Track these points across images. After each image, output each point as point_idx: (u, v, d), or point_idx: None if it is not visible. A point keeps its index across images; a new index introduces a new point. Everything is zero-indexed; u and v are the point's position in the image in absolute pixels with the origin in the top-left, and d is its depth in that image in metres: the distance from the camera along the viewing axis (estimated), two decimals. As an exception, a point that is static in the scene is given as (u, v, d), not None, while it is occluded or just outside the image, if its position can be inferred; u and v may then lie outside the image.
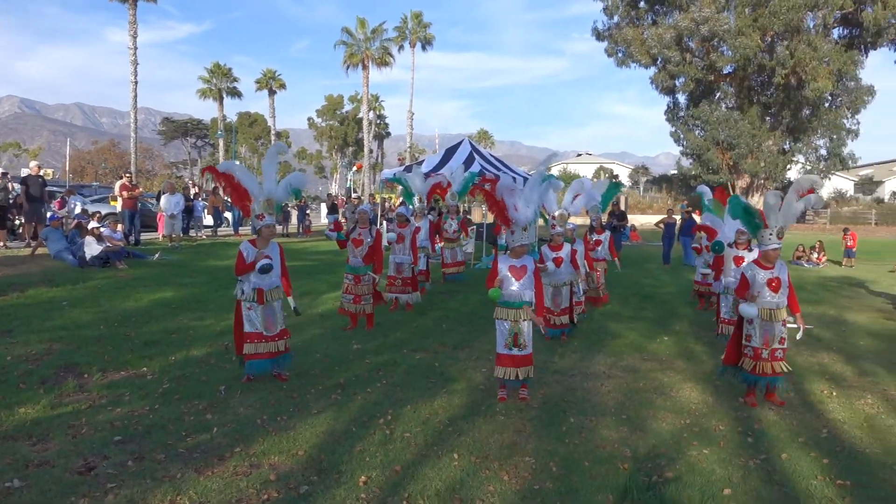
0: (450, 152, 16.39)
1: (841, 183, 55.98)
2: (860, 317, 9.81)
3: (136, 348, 6.69)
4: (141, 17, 32.90)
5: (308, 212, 27.00)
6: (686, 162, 42.78)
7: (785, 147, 39.58)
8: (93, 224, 13.43)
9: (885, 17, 33.45)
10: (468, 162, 15.29)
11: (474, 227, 17.02)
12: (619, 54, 40.94)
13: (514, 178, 14.31)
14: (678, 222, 17.54)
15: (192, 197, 21.13)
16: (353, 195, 32.94)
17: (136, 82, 32.46)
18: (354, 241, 7.89)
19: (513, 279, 5.28)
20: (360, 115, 60.45)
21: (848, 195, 55.40)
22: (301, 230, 25.39)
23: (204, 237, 21.08)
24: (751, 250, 7.53)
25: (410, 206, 11.15)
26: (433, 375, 6.07)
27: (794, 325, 5.51)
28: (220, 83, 56.35)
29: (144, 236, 18.26)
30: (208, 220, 22.75)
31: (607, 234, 10.44)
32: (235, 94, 57.71)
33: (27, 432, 4.38)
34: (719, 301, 8.13)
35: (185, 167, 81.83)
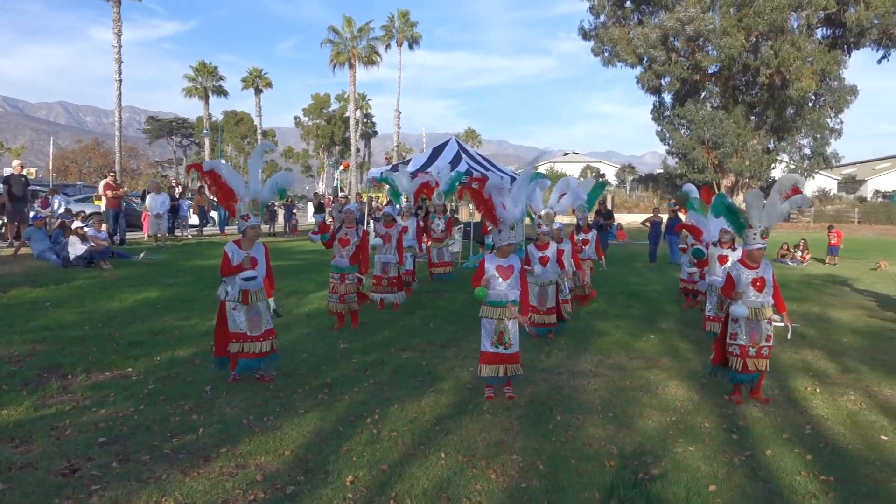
0: (437, 151, 16.37)
1: (824, 182, 56.56)
2: (843, 314, 9.92)
3: (121, 349, 6.63)
4: (125, 15, 32.72)
5: (295, 211, 26.91)
6: (672, 161, 43.10)
7: (769, 146, 39.97)
8: (77, 224, 13.31)
9: (868, 17, 33.85)
10: (455, 161, 15.29)
11: (461, 226, 17.02)
12: (606, 54, 41.16)
13: (500, 178, 14.32)
14: (664, 221, 17.65)
15: (177, 196, 20.99)
16: (340, 194, 32.86)
17: (120, 81, 32.19)
18: (341, 241, 7.87)
19: (500, 279, 5.28)
20: (347, 113, 60.36)
21: (831, 194, 55.97)
22: (288, 229, 25.30)
23: (189, 237, 20.94)
24: (735, 249, 7.59)
25: (397, 206, 11.13)
26: (420, 374, 6.07)
27: (781, 324, 5.56)
28: (206, 82, 56.00)
29: (129, 236, 18.12)
30: (194, 219, 22.60)
31: (594, 233, 10.50)
32: (221, 92, 57.37)
33: (10, 434, 4.33)
34: (706, 299, 8.20)
35: (170, 166, 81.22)
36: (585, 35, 42.38)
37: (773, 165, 40.01)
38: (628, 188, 57.65)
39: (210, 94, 56.56)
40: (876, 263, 16.97)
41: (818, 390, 5.86)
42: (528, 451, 4.31)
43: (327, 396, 5.35)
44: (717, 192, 7.57)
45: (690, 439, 4.61)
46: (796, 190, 5.48)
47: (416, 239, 10.76)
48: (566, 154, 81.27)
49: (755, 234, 5.35)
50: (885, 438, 4.72)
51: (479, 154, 17.78)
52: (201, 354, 6.47)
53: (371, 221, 15.72)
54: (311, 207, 33.80)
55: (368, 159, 76.85)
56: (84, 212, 16.33)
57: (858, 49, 37.31)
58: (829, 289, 12.92)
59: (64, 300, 9.07)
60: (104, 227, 14.87)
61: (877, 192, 55.87)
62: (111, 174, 18.76)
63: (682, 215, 14.34)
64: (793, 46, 34.52)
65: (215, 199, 5.89)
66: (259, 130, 62.48)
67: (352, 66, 47.14)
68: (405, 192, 11.05)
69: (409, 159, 18.10)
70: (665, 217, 17.93)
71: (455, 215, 21.52)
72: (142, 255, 14.25)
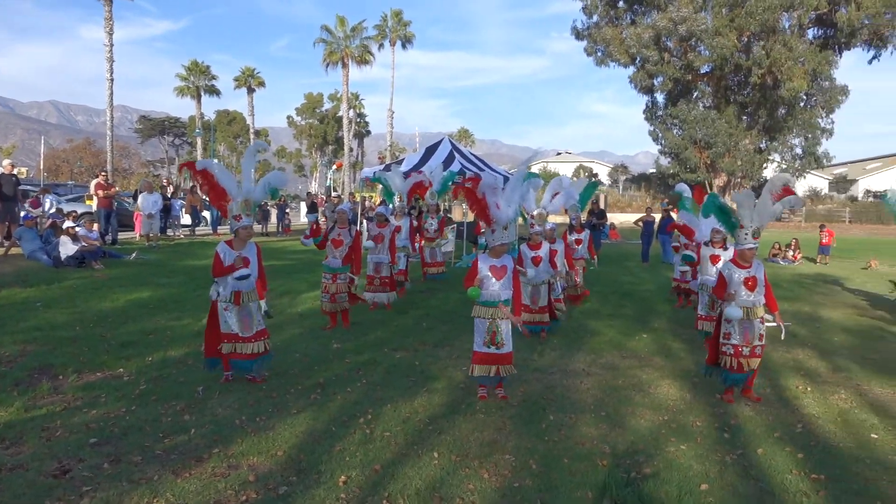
0: (430, 151, 16.36)
1: (816, 181, 56.83)
2: (834, 313, 9.97)
3: (113, 349, 6.61)
4: (117, 14, 32.49)
5: (287, 211, 26.85)
6: (664, 160, 43.16)
7: (761, 146, 40.08)
8: (68, 223, 13.24)
9: (859, 17, 33.99)
10: (448, 161, 15.27)
11: (454, 225, 17.01)
12: (599, 53, 41.16)
13: (494, 177, 14.30)
14: (657, 220, 17.70)
15: (169, 196, 20.91)
16: (333, 194, 32.78)
17: (112, 80, 32.00)
18: (334, 242, 7.85)
19: (493, 279, 5.29)
20: (340, 113, 60.17)
21: (822, 193, 56.29)
22: (280, 229, 25.24)
23: (182, 236, 20.87)
24: (726, 249, 7.62)
25: (391, 206, 11.12)
26: (413, 374, 6.07)
27: (774, 324, 5.58)
28: (198, 81, 55.72)
29: (122, 235, 18.04)
30: (186, 219, 22.52)
31: (587, 232, 10.53)
32: (214, 91, 57.10)
33: (0, 435, 4.31)
34: (698, 298, 8.23)
35: (162, 166, 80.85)
36: (578, 35, 42.39)
37: (764, 165, 40.14)
38: (621, 188, 57.82)
39: (202, 94, 56.28)
40: (867, 263, 17.07)
41: (809, 389, 5.89)
42: (521, 451, 4.31)
43: (320, 396, 5.34)
44: (709, 192, 7.61)
45: (682, 438, 4.62)
46: (789, 190, 5.51)
47: (409, 239, 10.76)
48: (559, 154, 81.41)
49: (746, 233, 5.38)
50: (876, 437, 4.75)
51: (472, 154, 17.77)
52: (193, 355, 6.44)
53: (364, 221, 15.69)
54: (303, 207, 33.74)
55: (361, 159, 76.74)
56: (75, 211, 16.24)
57: (849, 49, 37.45)
58: (821, 288, 12.98)
59: (55, 300, 9.02)
60: (95, 226, 14.80)
61: (867, 191, 56.17)
62: (102, 174, 18.63)
63: (674, 215, 14.39)
64: (784, 46, 34.64)
65: (207, 198, 5.85)
66: (252, 130, 62.20)
67: (345, 66, 47.01)
68: (398, 191, 11.04)
69: (403, 159, 18.09)
70: (657, 217, 17.97)
71: (448, 215, 21.52)
72: (133, 254, 14.19)
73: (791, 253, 18.22)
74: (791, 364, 6.82)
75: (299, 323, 8.23)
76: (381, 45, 49.86)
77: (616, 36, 39.49)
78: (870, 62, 38.08)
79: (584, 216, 12.36)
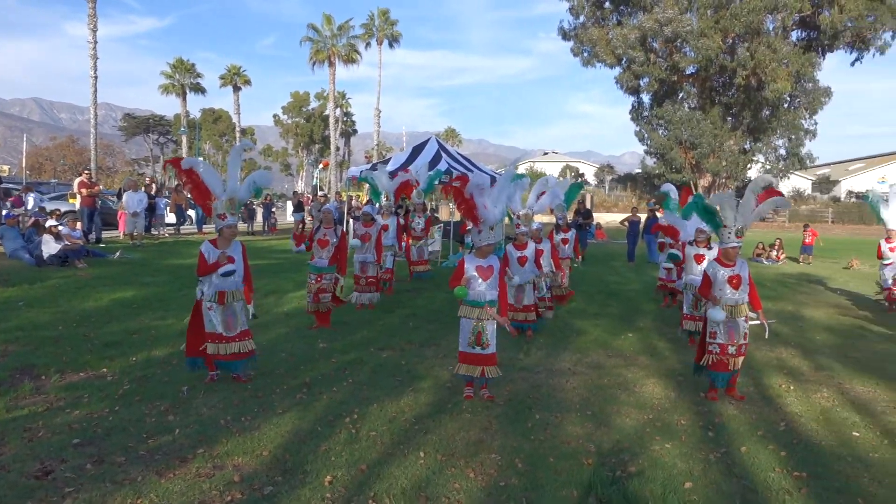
0: (417, 150, 16.34)
1: (799, 182, 57.38)
2: (817, 312, 10.07)
3: (96, 349, 6.55)
4: (101, 11, 32.20)
5: (273, 210, 26.73)
6: (650, 161, 43.46)
7: (745, 147, 40.48)
8: (51, 222, 13.11)
9: (842, 20, 34.40)
10: (435, 160, 15.27)
11: (440, 224, 17.00)
12: (585, 54, 41.39)
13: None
14: (642, 220, 17.80)
15: (153, 194, 20.75)
16: (320, 193, 32.70)
17: (95, 77, 31.68)
18: (320, 242, 7.83)
19: (479, 279, 5.29)
20: (327, 112, 59.98)
21: (806, 194, 56.82)
22: (266, 228, 25.12)
23: (166, 235, 20.72)
24: (711, 248, 7.67)
25: (377, 205, 11.10)
26: (399, 374, 6.07)
27: (757, 322, 5.63)
28: (183, 79, 55.34)
29: (105, 234, 17.89)
30: (171, 217, 22.36)
31: (573, 232, 10.57)
32: (199, 90, 56.75)
33: (-19, 436, 4.26)
34: (683, 298, 8.27)
35: (147, 164, 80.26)
36: (565, 35, 42.59)
37: (749, 166, 40.53)
38: (607, 188, 58.02)
39: (188, 92, 55.91)
40: (849, 262, 17.25)
41: (792, 388, 5.95)
42: (507, 450, 4.32)
43: (306, 396, 5.32)
44: (694, 192, 7.66)
45: (667, 437, 4.65)
46: (777, 192, 5.56)
47: (396, 238, 10.75)
48: (546, 154, 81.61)
49: (730, 233, 5.43)
50: (857, 434, 4.81)
51: (459, 153, 17.78)
52: (178, 354, 6.39)
53: (350, 221, 15.65)
54: (290, 206, 33.59)
55: (348, 158, 76.53)
56: (58, 210, 16.10)
57: (832, 51, 37.91)
58: (804, 287, 13.11)
59: (37, 300, 8.92)
60: (79, 225, 14.65)
61: (850, 192, 56.77)
62: (86, 172, 18.44)
63: (659, 215, 14.47)
64: (768, 48, 34.99)
65: (191, 197, 5.81)
66: (238, 128, 61.89)
67: (331, 65, 46.85)
68: (385, 190, 11.03)
69: (389, 158, 18.05)
70: (643, 217, 18.07)
71: (435, 214, 21.51)
72: (117, 253, 14.07)
73: (775, 253, 18.38)
74: (774, 363, 6.88)
75: (285, 322, 8.20)
76: (367, 44, 49.74)
77: (602, 37, 39.71)
78: (852, 64, 38.60)
79: (570, 216, 12.40)
